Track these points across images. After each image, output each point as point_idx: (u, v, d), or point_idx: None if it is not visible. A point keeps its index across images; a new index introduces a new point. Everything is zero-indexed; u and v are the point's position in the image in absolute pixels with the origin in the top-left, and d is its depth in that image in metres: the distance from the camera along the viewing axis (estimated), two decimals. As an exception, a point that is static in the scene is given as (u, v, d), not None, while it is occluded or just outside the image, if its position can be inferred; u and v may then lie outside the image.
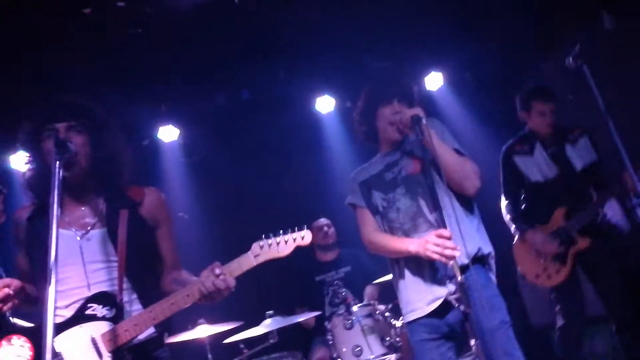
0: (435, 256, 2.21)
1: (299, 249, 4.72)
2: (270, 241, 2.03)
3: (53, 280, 1.63)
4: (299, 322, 4.16)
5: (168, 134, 5.20)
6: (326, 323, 3.64)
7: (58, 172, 1.80)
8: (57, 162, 1.81)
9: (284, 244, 2.03)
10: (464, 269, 2.24)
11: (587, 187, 3.39)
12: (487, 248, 2.45)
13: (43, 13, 3.63)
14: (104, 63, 4.33)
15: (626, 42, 4.12)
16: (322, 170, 5.43)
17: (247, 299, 4.80)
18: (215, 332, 3.63)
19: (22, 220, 2.11)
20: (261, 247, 2.02)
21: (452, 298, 2.23)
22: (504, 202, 3.63)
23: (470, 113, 5.27)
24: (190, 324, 3.65)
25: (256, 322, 3.71)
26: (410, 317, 2.44)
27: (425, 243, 2.24)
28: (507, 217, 3.60)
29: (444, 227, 2.22)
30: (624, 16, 4.18)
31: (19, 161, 4.46)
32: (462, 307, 2.12)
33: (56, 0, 3.61)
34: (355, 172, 2.70)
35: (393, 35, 4.84)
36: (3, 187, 2.91)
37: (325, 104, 5.33)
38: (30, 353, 1.92)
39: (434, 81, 5.30)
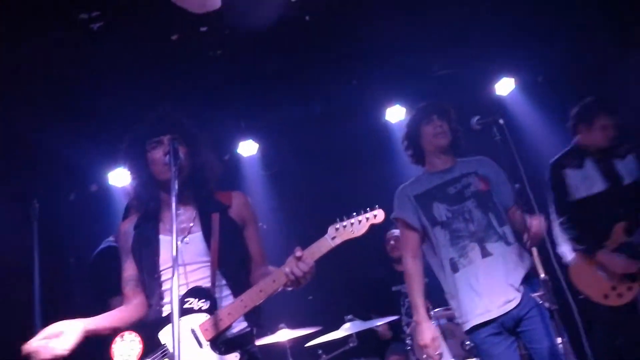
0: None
1: (377, 260, 4.80)
2: (345, 222, 2.08)
3: (176, 275, 1.85)
4: (376, 331, 4.23)
5: (247, 148, 5.47)
6: (405, 328, 3.67)
7: (175, 177, 2.01)
8: (174, 168, 2.02)
9: (357, 223, 2.07)
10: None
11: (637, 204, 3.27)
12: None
13: (138, 38, 3.98)
14: (187, 84, 4.67)
15: None
16: (392, 179, 5.46)
17: (325, 305, 4.95)
18: (295, 336, 3.77)
19: (129, 230, 2.32)
20: (337, 229, 2.07)
21: (536, 295, 2.34)
22: (556, 221, 3.44)
23: (543, 116, 5.15)
24: (272, 329, 3.81)
25: (335, 327, 3.81)
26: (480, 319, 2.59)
27: (426, 348, 2.62)
28: (561, 237, 3.40)
29: (509, 239, 2.57)
30: None
31: (118, 177, 4.91)
32: (547, 304, 2.21)
33: (147, 28, 3.95)
34: (403, 187, 2.90)
35: (462, 43, 4.87)
36: None
37: (395, 114, 5.43)
38: (140, 346, 2.12)
39: (505, 86, 5.25)
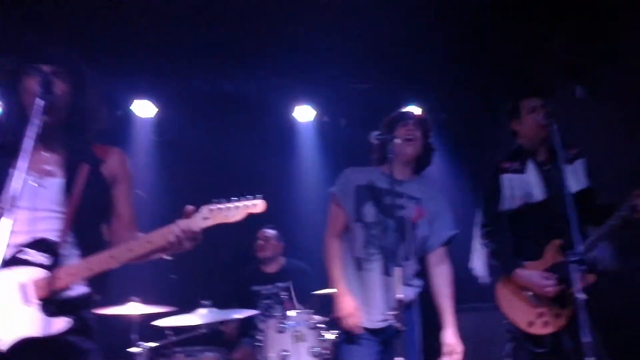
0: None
1: (245, 256, 4.73)
2: (221, 205, 1.97)
3: (10, 217, 1.65)
4: (222, 330, 4.18)
5: (144, 109, 5.15)
6: (260, 323, 3.64)
7: (40, 112, 1.79)
8: (42, 102, 1.80)
9: (234, 209, 1.97)
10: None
11: (581, 214, 2.67)
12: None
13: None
14: (95, 26, 4.30)
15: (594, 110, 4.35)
16: (289, 174, 5.48)
17: (185, 287, 4.78)
18: (146, 312, 3.58)
19: None
20: (210, 210, 1.96)
21: (389, 314, 2.46)
22: (480, 232, 3.05)
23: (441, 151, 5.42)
24: (121, 300, 3.60)
25: (190, 311, 3.68)
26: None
27: (349, 318, 2.66)
28: (484, 249, 3.02)
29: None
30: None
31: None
32: (398, 325, 2.37)
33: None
34: (352, 170, 2.91)
35: (380, 62, 5.00)
36: None
37: (304, 114, 5.49)
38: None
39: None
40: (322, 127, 5.59)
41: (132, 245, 1.95)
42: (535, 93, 3.05)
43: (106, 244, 2.09)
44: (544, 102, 2.97)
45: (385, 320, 2.62)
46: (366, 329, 2.71)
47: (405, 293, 2.54)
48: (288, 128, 5.54)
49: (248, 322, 4.16)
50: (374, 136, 2.69)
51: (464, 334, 2.75)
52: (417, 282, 2.85)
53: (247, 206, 1.99)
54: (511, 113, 3.09)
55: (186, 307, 3.72)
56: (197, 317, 3.58)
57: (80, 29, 4.20)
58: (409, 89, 5.23)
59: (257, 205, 2.00)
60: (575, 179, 2.88)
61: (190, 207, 1.95)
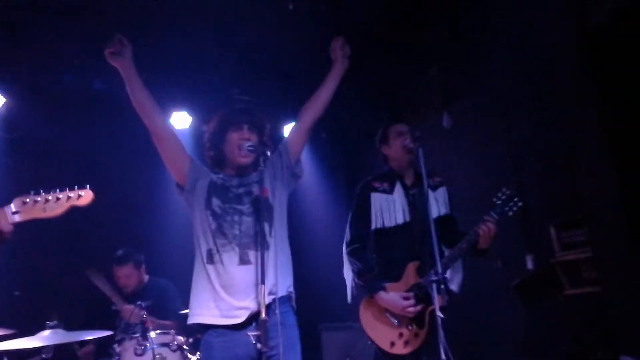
0: None
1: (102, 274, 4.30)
2: (38, 197, 1.67)
3: None
4: (75, 352, 3.76)
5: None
6: (115, 346, 3.29)
7: None
8: None
9: (54, 201, 1.67)
10: (270, 305, 2.25)
11: (439, 240, 2.86)
12: (292, 287, 2.52)
13: None
14: None
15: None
16: (156, 185, 5.14)
17: (28, 305, 4.23)
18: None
19: None
20: (24, 203, 1.66)
21: (251, 334, 2.20)
22: (346, 248, 3.09)
23: (320, 170, 5.50)
24: None
25: (31, 333, 3.21)
26: (207, 320, 2.38)
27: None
28: (350, 267, 3.06)
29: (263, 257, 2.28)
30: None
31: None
32: (259, 345, 2.13)
33: None
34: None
35: (261, 76, 4.95)
36: None
37: (180, 120, 5.31)
38: None
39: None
40: (199, 135, 5.36)
41: None
42: (402, 119, 3.27)
43: None
44: (411, 128, 3.14)
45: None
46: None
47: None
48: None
49: (106, 344, 3.75)
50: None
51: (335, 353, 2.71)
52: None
53: (69, 197, 1.70)
54: (381, 138, 3.24)
55: (29, 328, 3.25)
56: (39, 340, 3.12)
57: None
58: (288, 106, 5.21)
59: (83, 196, 1.72)
60: (437, 205, 3.06)
61: None
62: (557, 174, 3.98)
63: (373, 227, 3.04)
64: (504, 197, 2.92)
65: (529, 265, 4.18)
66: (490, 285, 4.17)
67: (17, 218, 1.64)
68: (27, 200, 1.66)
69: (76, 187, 1.70)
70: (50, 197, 1.67)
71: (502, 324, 4.23)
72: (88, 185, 1.73)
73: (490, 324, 4.29)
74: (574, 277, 3.81)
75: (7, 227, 1.60)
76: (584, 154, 3.62)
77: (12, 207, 1.64)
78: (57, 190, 1.69)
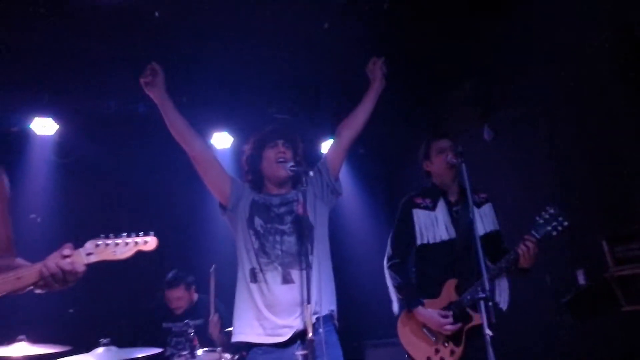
0: None
1: (152, 293, 4.41)
2: (108, 241, 1.82)
3: None
4: None
5: (43, 126, 4.79)
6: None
7: None
8: None
9: (123, 245, 1.83)
10: (314, 324, 2.28)
11: (484, 257, 2.68)
12: (334, 306, 2.56)
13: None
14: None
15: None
16: (196, 203, 5.25)
17: (83, 323, 4.39)
18: (35, 353, 3.21)
19: None
20: (96, 246, 1.81)
21: (299, 354, 2.23)
22: (387, 263, 3.09)
23: (360, 184, 5.51)
24: (8, 339, 3.21)
25: (85, 350, 3.34)
26: (251, 339, 2.44)
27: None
28: (392, 282, 3.06)
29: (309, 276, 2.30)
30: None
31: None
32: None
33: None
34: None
35: (299, 94, 5.02)
36: None
37: (222, 140, 5.39)
38: None
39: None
40: (239, 155, 5.48)
41: None
42: (443, 135, 3.21)
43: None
44: (452, 143, 3.11)
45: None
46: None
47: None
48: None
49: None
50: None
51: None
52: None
53: (137, 243, 1.86)
54: (423, 155, 3.22)
55: (83, 346, 3.38)
56: (93, 357, 3.25)
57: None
58: (326, 122, 5.27)
59: (148, 242, 1.88)
60: (482, 222, 3.01)
61: (68, 245, 1.79)
62: (606, 185, 3.83)
63: (419, 242, 3.03)
64: (547, 216, 2.79)
65: (580, 280, 4.03)
66: (538, 301, 4.03)
67: (91, 259, 1.78)
68: (99, 243, 1.81)
69: (142, 233, 1.87)
70: (119, 242, 1.82)
71: (552, 342, 4.09)
72: (153, 232, 1.89)
73: (539, 342, 4.16)
74: (630, 293, 3.65)
75: (81, 268, 1.74)
76: (636, 162, 3.50)
77: (86, 248, 1.78)
78: (125, 235, 1.84)
